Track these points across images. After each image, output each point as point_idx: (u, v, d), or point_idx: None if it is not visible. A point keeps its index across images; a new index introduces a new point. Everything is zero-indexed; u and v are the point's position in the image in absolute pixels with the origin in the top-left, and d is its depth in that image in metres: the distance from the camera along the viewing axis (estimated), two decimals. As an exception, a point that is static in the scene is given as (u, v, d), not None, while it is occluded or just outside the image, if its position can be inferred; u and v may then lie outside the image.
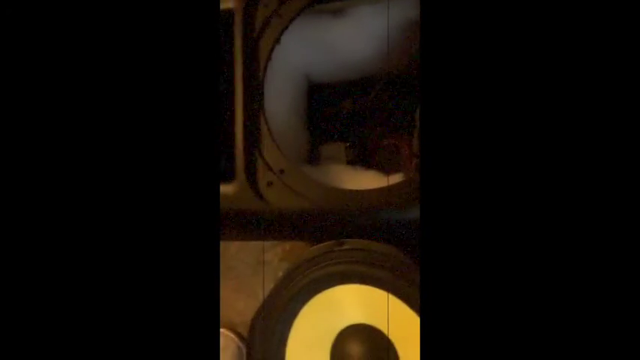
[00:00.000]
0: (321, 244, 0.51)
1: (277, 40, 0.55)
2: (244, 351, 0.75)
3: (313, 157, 0.73)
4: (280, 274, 0.74)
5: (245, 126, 0.52)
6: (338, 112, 0.77)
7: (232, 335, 0.78)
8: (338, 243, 0.51)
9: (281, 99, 0.64)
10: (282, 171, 0.51)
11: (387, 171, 0.62)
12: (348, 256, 0.50)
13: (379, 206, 0.51)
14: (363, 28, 0.62)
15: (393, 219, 0.51)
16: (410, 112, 0.73)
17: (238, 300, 0.84)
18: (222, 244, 0.83)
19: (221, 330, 0.79)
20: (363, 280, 0.49)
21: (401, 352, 0.48)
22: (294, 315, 0.51)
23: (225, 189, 0.52)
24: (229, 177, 0.52)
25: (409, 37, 0.64)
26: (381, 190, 0.51)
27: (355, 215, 0.51)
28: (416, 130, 0.72)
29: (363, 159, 0.75)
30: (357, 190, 0.52)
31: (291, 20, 0.55)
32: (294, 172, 0.51)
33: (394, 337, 0.48)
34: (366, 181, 0.60)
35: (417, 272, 0.47)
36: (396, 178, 0.60)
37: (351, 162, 0.75)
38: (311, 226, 0.52)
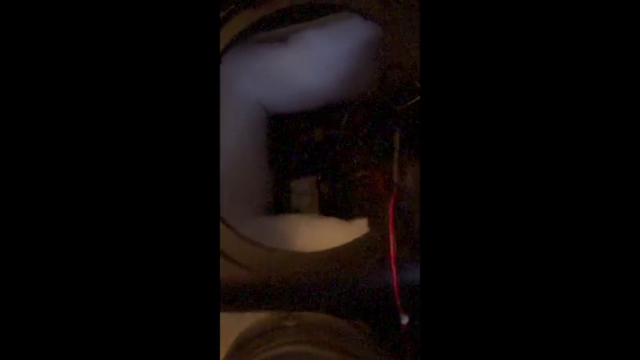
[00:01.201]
0: (259, 322, 0.43)
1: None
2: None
3: (278, 197, 0.66)
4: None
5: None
6: (306, 143, 0.69)
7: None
8: (281, 318, 0.43)
9: (232, 136, 0.57)
10: (210, 236, 0.44)
11: (348, 217, 0.54)
12: (292, 334, 0.42)
13: (328, 271, 0.43)
14: (312, 54, 0.55)
15: (347, 284, 0.43)
16: (387, 138, 0.65)
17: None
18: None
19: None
20: (310, 363, 0.41)
21: None
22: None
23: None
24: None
25: (369, 59, 0.56)
26: (331, 251, 0.43)
27: (303, 282, 0.44)
28: (395, 156, 0.63)
29: (337, 193, 0.67)
30: (301, 253, 0.44)
31: (220, 56, 0.47)
32: (226, 236, 0.44)
33: None
34: (324, 232, 0.52)
35: (369, 349, 0.39)
36: (360, 225, 0.52)
37: (325, 197, 0.67)
38: (251, 297, 0.44)
